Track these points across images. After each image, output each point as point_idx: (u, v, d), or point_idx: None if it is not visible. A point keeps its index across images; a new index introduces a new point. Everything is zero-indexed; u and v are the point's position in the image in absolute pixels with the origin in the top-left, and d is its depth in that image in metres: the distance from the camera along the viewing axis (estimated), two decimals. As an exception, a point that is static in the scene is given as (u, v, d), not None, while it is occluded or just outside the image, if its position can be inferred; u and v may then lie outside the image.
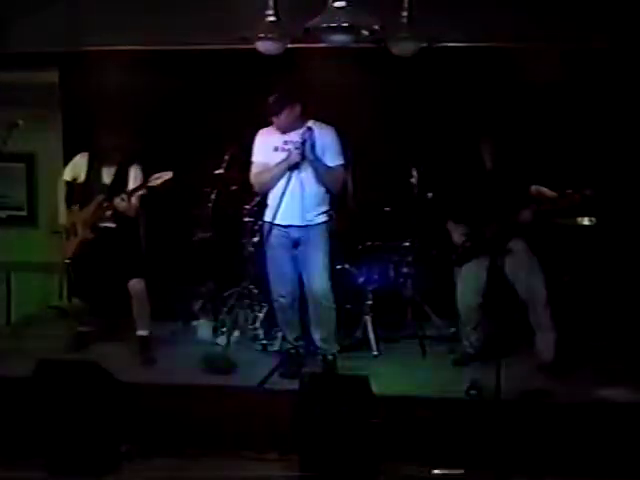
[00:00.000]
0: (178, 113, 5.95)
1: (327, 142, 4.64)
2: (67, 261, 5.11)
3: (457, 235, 4.89)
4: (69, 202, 5.11)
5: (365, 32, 4.42)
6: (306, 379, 4.12)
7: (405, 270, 5.56)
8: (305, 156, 4.52)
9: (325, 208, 4.76)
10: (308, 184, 4.63)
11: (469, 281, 4.85)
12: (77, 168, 5.09)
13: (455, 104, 5.72)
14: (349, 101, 5.82)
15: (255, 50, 4.78)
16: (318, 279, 4.69)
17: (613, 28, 5.07)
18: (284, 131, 4.66)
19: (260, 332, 5.35)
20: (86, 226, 4.97)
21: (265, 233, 4.78)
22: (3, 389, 4.45)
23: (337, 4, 4.31)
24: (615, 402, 4.31)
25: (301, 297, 4.83)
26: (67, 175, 5.12)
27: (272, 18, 4.68)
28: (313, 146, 4.54)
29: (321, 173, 4.62)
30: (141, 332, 5.07)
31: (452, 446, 4.17)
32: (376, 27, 4.38)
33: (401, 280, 5.59)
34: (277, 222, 4.64)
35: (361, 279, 5.25)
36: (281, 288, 4.79)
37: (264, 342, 5.29)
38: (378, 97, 5.87)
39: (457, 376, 4.64)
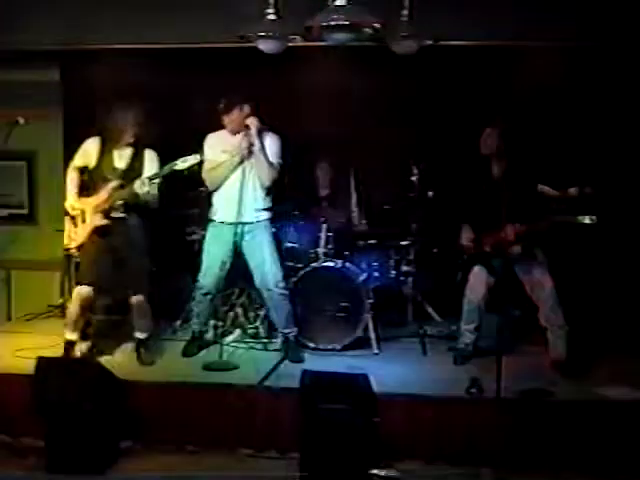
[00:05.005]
0: (178, 111, 5.95)
1: (270, 142, 4.92)
2: (72, 249, 4.88)
3: (466, 238, 4.87)
4: (80, 189, 4.84)
5: (366, 30, 4.40)
6: (306, 378, 4.11)
7: (406, 268, 5.57)
8: (252, 151, 4.83)
9: (267, 206, 5.01)
10: (253, 184, 4.91)
11: (479, 279, 4.84)
12: (88, 153, 4.85)
13: (456, 103, 5.72)
14: (350, 99, 5.83)
15: (255, 48, 4.78)
16: (268, 269, 4.97)
17: (614, 28, 5.06)
18: (233, 132, 4.92)
19: (260, 330, 5.37)
20: (97, 212, 4.73)
21: (208, 230, 5.09)
22: (4, 387, 4.46)
23: (338, 2, 4.28)
24: (619, 400, 4.30)
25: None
26: (78, 161, 4.88)
27: (273, 17, 4.67)
28: (260, 138, 4.85)
29: (262, 165, 4.86)
30: (139, 335, 4.97)
31: (453, 445, 4.17)
32: (377, 25, 4.36)
33: (402, 278, 5.60)
34: (222, 220, 4.95)
35: (362, 277, 5.25)
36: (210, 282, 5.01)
37: (264, 340, 5.30)
38: (379, 95, 5.87)
39: (458, 374, 4.63)
